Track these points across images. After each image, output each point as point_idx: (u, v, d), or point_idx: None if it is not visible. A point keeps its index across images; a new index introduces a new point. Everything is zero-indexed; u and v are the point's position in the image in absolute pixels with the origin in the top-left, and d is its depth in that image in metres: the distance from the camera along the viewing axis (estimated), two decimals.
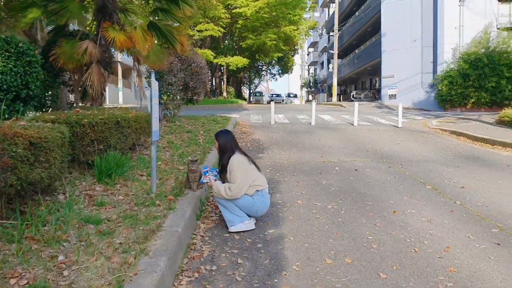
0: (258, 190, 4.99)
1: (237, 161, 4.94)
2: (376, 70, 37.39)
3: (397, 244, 4.68)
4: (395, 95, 32.11)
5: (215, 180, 5.21)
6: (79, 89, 9.44)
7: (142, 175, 6.51)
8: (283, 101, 57.77)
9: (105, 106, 10.04)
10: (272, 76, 63.06)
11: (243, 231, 4.98)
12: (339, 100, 42.75)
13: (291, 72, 61.75)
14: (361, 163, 9.31)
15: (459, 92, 26.37)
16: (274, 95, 61.67)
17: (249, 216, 5.07)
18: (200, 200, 5.85)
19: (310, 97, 56.80)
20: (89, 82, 8.44)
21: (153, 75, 5.56)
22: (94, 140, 5.99)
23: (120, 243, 3.98)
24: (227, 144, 5.13)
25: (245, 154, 5.18)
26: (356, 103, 17.00)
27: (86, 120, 5.92)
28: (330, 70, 50.06)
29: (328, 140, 12.55)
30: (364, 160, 9.68)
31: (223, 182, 5.14)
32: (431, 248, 4.59)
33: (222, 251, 4.50)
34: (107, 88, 11.69)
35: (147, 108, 16.27)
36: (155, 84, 5.52)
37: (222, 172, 5.25)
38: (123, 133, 6.72)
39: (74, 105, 10.03)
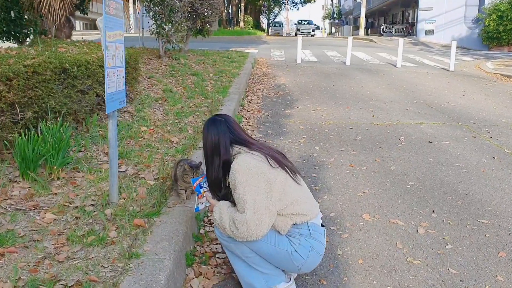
0: (297, 224, 2.45)
1: (242, 167, 2.39)
2: (409, 2, 33.41)
3: None
4: (433, 30, 28.54)
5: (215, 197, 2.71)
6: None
7: (104, 162, 3.94)
8: (312, 31, 42.34)
9: (79, 39, 7.33)
10: (294, 5, 58.33)
11: None
12: (367, 34, 38.96)
13: (314, 1, 56.88)
14: (430, 128, 6.61)
15: (509, 29, 22.94)
16: (302, 22, 45.71)
17: (284, 271, 2.59)
18: (196, 217, 3.32)
19: (333, 30, 52.15)
20: (45, 4, 5.66)
21: None
22: (13, 104, 3.37)
23: None
24: (217, 141, 2.58)
25: (263, 149, 2.55)
26: (401, 40, 13.95)
27: None
28: (358, 0, 45.61)
29: (374, 88, 9.76)
30: (433, 123, 6.96)
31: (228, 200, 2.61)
32: None
33: None
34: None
35: (141, 40, 13.34)
36: (112, 2, 2.83)
37: (218, 190, 2.70)
38: (75, 88, 4.08)
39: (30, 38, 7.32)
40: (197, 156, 4.25)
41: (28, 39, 7.91)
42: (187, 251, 2.92)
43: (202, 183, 2.78)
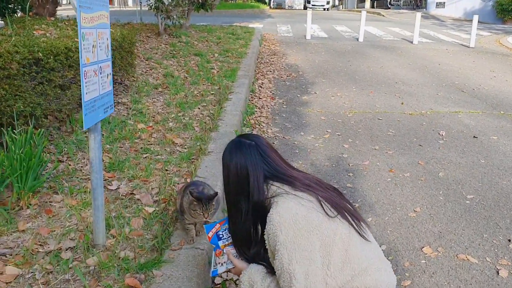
0: None
1: (285, 220, 1.55)
2: None
3: None
4: (444, 3, 27.24)
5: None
6: None
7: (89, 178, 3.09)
8: (327, 4, 33.65)
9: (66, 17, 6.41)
10: None
11: None
12: (373, 7, 37.55)
13: None
14: (470, 118, 5.75)
15: None
16: None
17: None
18: (209, 261, 2.49)
19: (337, 2, 50.46)
20: None
21: None
22: None
23: None
24: (245, 175, 1.72)
25: (313, 188, 1.69)
26: (418, 14, 12.92)
27: None
28: None
29: (395, 69, 8.85)
30: (471, 111, 6.10)
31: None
32: None
33: None
34: None
35: (139, 16, 12.26)
36: None
37: (246, 246, 1.87)
38: (52, 82, 3.21)
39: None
40: (207, 165, 3.41)
41: (15, 15, 6.96)
42: None
43: (221, 232, 1.93)
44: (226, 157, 1.77)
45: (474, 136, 5.04)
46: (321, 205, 1.62)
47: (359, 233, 1.66)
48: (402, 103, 6.35)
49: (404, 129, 5.24)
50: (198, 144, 3.91)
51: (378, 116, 5.70)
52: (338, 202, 1.71)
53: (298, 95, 6.63)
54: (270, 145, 1.82)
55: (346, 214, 1.68)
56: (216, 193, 2.32)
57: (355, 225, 1.67)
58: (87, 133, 3.13)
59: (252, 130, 4.86)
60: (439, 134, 5.08)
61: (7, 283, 2.06)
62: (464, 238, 3.00)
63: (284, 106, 6.04)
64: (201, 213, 2.29)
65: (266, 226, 1.60)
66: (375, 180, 3.86)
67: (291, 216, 1.55)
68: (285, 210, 1.57)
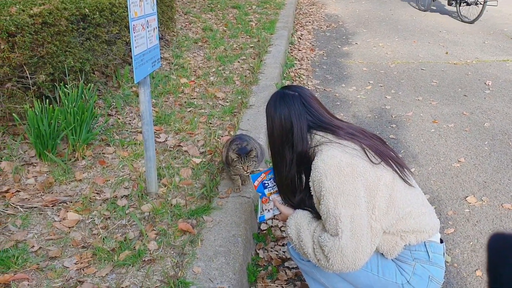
0: (410, 245, 1.68)
1: (330, 167, 1.60)
2: None
3: None
4: None
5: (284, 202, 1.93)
6: None
7: (139, 130, 3.23)
8: None
9: None
10: None
11: None
12: None
13: None
14: None
15: None
16: None
17: None
18: (255, 209, 2.60)
19: None
20: None
21: None
22: (21, 66, 2.63)
23: None
24: (289, 125, 1.76)
25: (357, 137, 1.73)
26: None
27: None
28: None
29: (438, 17, 8.49)
30: None
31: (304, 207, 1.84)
32: None
33: None
34: None
35: None
36: None
37: (291, 194, 1.89)
38: (99, 38, 3.30)
39: None
40: (249, 118, 3.47)
41: None
42: (248, 263, 2.23)
43: (266, 181, 1.99)
44: (270, 108, 1.79)
45: None
46: (365, 152, 1.65)
47: (402, 178, 1.68)
48: (447, 53, 6.15)
49: (448, 79, 5.10)
50: (239, 97, 3.96)
51: (422, 66, 5.56)
52: (382, 149, 1.72)
53: (339, 46, 6.52)
54: (314, 96, 1.83)
55: (389, 161, 1.69)
56: (252, 149, 2.37)
57: (398, 171, 1.68)
58: (137, 87, 3.25)
59: (292, 82, 4.86)
60: (485, 84, 4.93)
61: (69, 227, 2.22)
62: (510, 188, 2.97)
63: (324, 58, 5.97)
64: (241, 167, 2.36)
65: (311, 174, 1.64)
66: (418, 131, 3.83)
67: (336, 163, 1.58)
68: (329, 158, 1.60)
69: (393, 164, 1.69)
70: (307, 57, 5.93)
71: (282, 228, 2.55)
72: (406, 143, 3.62)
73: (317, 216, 1.72)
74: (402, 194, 1.65)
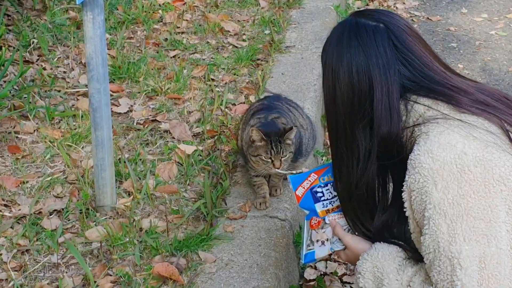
0: None
1: (445, 164, 0.97)
2: None
3: None
4: None
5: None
6: None
7: (84, 88, 2.15)
8: None
9: None
10: None
11: None
12: None
13: None
14: None
15: None
16: None
17: None
18: (297, 239, 1.70)
19: None
20: None
21: None
22: None
23: None
24: (367, 84, 1.09)
25: (490, 108, 1.08)
26: None
27: None
28: None
29: None
30: None
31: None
32: None
33: None
34: None
35: None
36: None
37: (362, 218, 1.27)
38: None
39: None
40: (284, 71, 2.64)
41: None
42: None
43: (319, 188, 1.34)
44: (330, 53, 1.18)
45: None
46: (510, 138, 1.10)
47: None
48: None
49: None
50: (266, 32, 2.87)
51: None
52: None
53: None
54: (413, 30, 1.20)
55: None
56: (290, 126, 1.58)
57: None
58: (78, 10, 2.35)
59: (369, 5, 3.59)
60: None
61: None
62: None
63: None
64: (268, 160, 1.54)
65: (407, 177, 1.10)
66: None
67: (455, 159, 1.04)
68: (442, 148, 1.05)
69: None
70: None
71: (347, 278, 1.72)
72: None
73: (414, 255, 1.19)
74: None
